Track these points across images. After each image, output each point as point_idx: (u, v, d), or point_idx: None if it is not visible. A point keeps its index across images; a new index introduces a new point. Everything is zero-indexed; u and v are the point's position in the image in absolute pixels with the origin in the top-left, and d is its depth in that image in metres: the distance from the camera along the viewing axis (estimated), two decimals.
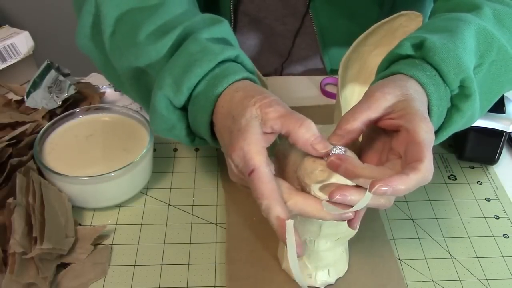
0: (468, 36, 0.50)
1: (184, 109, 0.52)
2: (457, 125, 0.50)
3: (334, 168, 0.42)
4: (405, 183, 0.38)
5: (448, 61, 0.47)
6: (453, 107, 0.49)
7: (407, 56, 0.50)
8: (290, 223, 0.41)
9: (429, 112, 0.47)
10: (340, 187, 0.41)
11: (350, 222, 0.45)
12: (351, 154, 0.44)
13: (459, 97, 0.49)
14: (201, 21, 0.55)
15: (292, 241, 0.41)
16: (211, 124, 0.50)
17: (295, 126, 0.44)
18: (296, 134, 0.44)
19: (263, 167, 0.43)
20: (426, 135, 0.41)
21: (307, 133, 0.43)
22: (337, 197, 0.41)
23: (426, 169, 0.39)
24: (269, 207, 0.42)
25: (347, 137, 0.44)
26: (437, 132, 0.50)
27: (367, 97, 0.45)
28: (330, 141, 0.44)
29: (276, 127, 0.44)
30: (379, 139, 0.47)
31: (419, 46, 0.49)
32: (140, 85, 0.57)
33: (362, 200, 0.40)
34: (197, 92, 0.50)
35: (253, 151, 0.43)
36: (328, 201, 0.42)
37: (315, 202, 0.43)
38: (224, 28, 0.55)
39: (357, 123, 0.44)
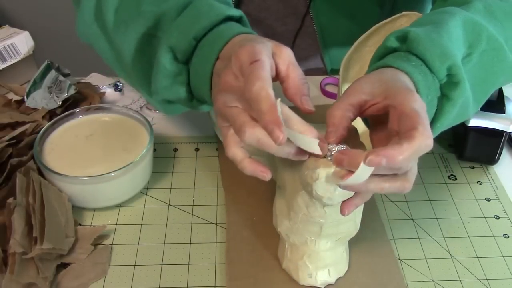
0: (453, 26, 0.50)
1: (186, 64, 0.53)
2: (450, 115, 0.49)
3: (340, 163, 0.42)
4: (399, 152, 0.38)
5: (432, 50, 0.47)
6: (444, 97, 0.49)
7: (394, 50, 0.50)
8: (278, 100, 0.42)
9: None
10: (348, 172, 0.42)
11: (342, 207, 0.45)
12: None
13: (448, 85, 0.48)
14: None
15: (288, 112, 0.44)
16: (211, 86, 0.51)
17: (299, 80, 0.46)
18: (294, 82, 0.46)
19: (267, 61, 0.44)
20: (415, 104, 0.41)
21: (304, 88, 0.46)
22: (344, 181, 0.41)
23: (422, 135, 0.39)
24: (261, 87, 0.42)
25: (339, 127, 0.44)
26: (431, 124, 0.49)
27: (346, 89, 0.46)
28: (327, 141, 0.44)
29: (281, 67, 0.46)
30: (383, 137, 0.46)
31: (404, 38, 0.49)
32: (144, 60, 0.57)
33: (358, 172, 0.39)
34: (202, 44, 0.51)
35: (263, 51, 0.44)
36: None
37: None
38: None
39: (340, 112, 0.44)
